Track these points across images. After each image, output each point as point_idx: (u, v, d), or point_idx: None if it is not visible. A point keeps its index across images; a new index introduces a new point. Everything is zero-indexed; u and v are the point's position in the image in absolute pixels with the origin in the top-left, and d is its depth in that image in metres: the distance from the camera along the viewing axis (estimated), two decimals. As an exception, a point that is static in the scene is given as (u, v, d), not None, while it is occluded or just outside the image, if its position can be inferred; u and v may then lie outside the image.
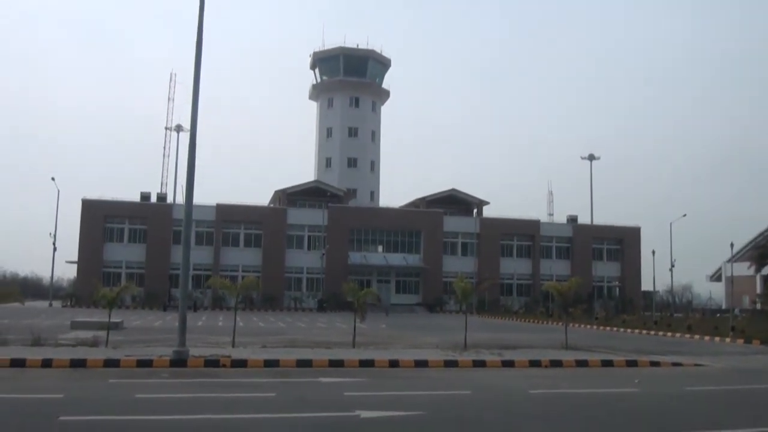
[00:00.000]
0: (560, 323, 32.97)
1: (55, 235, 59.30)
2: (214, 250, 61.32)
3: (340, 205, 66.49)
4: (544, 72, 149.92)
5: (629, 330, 35.58)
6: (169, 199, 64.47)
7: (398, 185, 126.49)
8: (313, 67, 79.72)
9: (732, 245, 41.38)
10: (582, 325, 39.32)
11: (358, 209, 68.86)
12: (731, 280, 45.59)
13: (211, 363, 15.55)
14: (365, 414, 9.80)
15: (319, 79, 79.30)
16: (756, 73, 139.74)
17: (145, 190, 63.73)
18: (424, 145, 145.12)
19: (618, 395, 12.74)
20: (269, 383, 13.29)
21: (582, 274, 56.02)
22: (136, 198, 62.56)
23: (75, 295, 58.14)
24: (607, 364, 17.81)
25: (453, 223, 67.53)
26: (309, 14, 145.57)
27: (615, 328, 36.93)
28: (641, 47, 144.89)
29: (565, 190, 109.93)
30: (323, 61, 78.25)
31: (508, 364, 17.12)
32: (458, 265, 61.75)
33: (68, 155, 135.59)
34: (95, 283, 23.98)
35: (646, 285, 67.49)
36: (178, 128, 68.11)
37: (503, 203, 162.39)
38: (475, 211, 71.32)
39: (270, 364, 15.83)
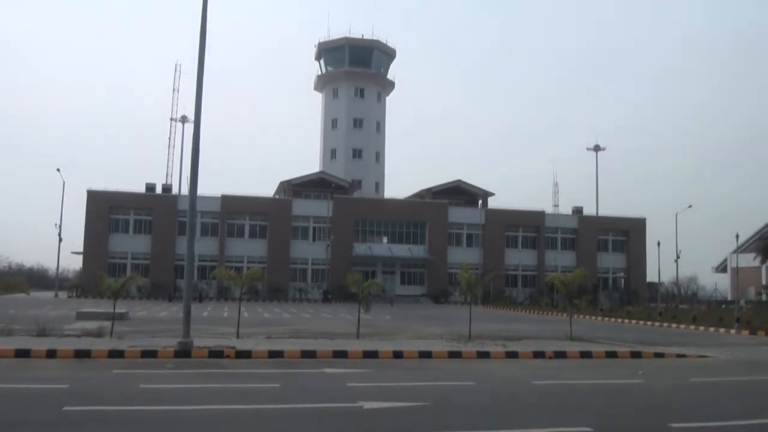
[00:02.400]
0: (565, 314, 32.94)
1: (60, 226, 59.55)
2: (219, 241, 61.44)
3: (345, 196, 66.49)
4: (550, 63, 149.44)
5: (634, 321, 35.53)
6: (175, 190, 64.50)
7: (403, 176, 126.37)
8: (318, 58, 79.57)
9: (737, 236, 41.26)
10: (587, 317, 39.30)
11: (363, 200, 68.86)
12: (736, 271, 45.56)
13: (216, 354, 15.58)
14: (369, 404, 9.80)
15: (324, 70, 79.16)
16: (762, 63, 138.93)
17: (151, 181, 63.82)
18: (429, 136, 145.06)
19: (622, 386, 12.72)
20: (273, 374, 13.31)
21: (587, 265, 55.80)
22: (142, 189, 62.66)
23: (80, 285, 58.37)
24: (611, 355, 17.79)
25: (458, 215, 67.47)
26: (314, 4, 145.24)
27: (620, 320, 36.89)
28: (647, 39, 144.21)
29: (571, 181, 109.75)
30: (328, 51, 78.08)
31: (512, 355, 17.10)
32: (463, 256, 61.63)
33: (74, 146, 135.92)
34: (100, 274, 23.95)
35: (651, 276, 67.54)
36: (183, 119, 67.95)
37: (508, 194, 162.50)
38: (480, 202, 71.22)
39: (274, 354, 15.85)
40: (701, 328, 30.49)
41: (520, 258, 68.06)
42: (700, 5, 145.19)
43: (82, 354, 15.10)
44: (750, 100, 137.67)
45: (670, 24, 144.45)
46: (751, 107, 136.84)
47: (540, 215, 69.72)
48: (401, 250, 65.22)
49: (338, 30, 78.34)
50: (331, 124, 77.47)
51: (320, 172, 70.39)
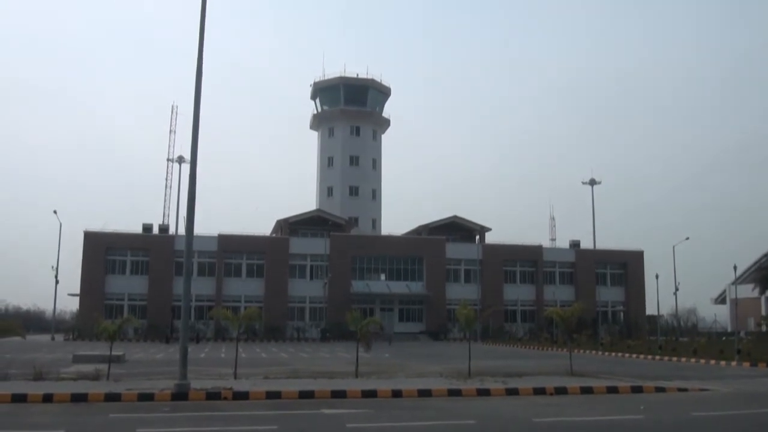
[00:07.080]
0: (565, 349, 32.74)
1: (57, 268, 59.25)
2: (217, 281, 61.18)
3: (342, 233, 66.42)
4: (545, 97, 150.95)
5: (634, 355, 35.32)
6: (171, 231, 64.46)
7: (400, 213, 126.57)
8: (313, 97, 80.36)
9: (735, 268, 41.29)
10: (587, 351, 39.04)
11: (360, 238, 68.80)
12: (736, 303, 45.42)
13: (213, 395, 15.44)
14: (368, 446, 9.70)
15: (319, 109, 79.89)
16: (755, 92, 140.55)
17: (148, 221, 63.80)
18: (425, 172, 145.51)
19: (624, 422, 12.61)
20: (271, 416, 13.18)
21: (586, 299, 55.84)
22: (138, 230, 62.60)
23: (77, 328, 57.83)
24: (612, 390, 17.66)
25: (455, 250, 67.36)
26: (309, 44, 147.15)
27: (620, 354, 36.67)
28: (642, 71, 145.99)
29: (567, 215, 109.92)
30: (324, 90, 78.92)
31: (513, 392, 16.98)
32: (461, 292, 61.38)
33: (70, 187, 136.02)
34: (97, 315, 23.82)
35: (650, 309, 67.20)
36: (180, 159, 68.40)
37: (505, 229, 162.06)
38: (477, 237, 71.15)
39: (272, 395, 15.71)
40: (702, 360, 30.33)
41: (518, 293, 67.80)
42: (696, 37, 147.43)
43: (79, 398, 14.97)
44: (745, 131, 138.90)
45: (665, 57, 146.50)
46: (746, 139, 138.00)
47: (537, 249, 69.65)
48: (399, 286, 64.93)
49: (333, 69, 79.37)
50: (327, 162, 77.94)
51: (317, 210, 70.50)
